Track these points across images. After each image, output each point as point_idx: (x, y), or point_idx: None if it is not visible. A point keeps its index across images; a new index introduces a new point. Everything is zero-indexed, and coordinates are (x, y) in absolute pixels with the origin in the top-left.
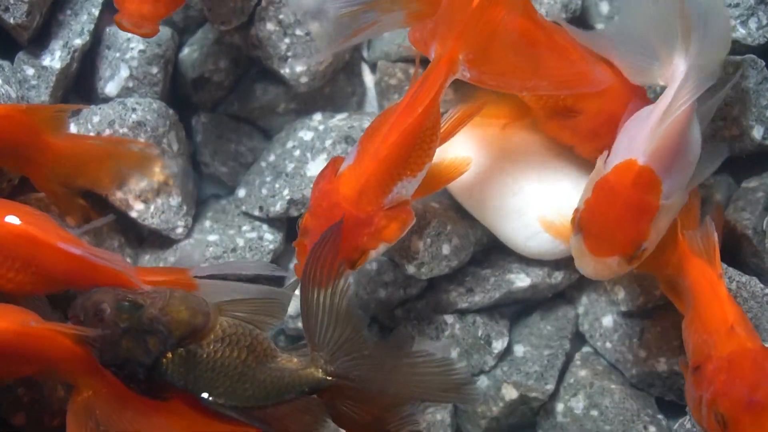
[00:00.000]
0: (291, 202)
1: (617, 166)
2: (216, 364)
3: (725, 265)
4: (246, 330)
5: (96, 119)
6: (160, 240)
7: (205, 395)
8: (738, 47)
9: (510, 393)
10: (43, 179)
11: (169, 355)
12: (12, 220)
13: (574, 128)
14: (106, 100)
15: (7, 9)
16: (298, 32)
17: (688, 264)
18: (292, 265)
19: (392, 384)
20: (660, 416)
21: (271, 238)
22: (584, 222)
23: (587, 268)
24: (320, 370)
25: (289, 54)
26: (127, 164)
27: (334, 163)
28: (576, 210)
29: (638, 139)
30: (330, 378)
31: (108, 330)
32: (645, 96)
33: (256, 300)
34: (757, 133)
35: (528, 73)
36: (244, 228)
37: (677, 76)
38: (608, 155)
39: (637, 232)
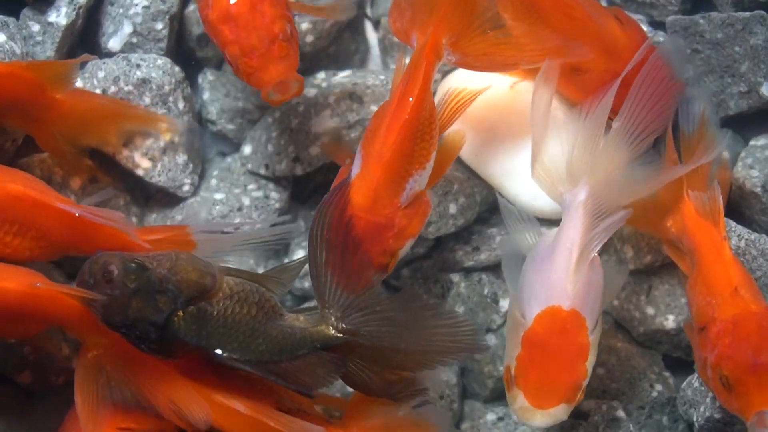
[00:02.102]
0: (296, 160)
1: (541, 315)
2: (227, 320)
3: (734, 223)
4: (253, 288)
5: (101, 74)
6: (167, 198)
7: (218, 351)
8: (747, 3)
9: None
10: (48, 137)
11: (180, 313)
12: (9, 183)
13: (581, 87)
14: (110, 55)
15: None
16: None
17: (693, 225)
18: (295, 226)
19: (403, 338)
20: (667, 374)
21: (277, 197)
22: (521, 379)
23: (534, 421)
24: (331, 328)
25: (295, 14)
26: (133, 123)
27: (343, 174)
28: (507, 368)
29: (554, 284)
30: (341, 335)
31: (117, 291)
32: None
33: (259, 276)
34: (766, 89)
35: (511, 50)
36: (250, 187)
37: (573, 206)
38: (519, 306)
39: (577, 376)
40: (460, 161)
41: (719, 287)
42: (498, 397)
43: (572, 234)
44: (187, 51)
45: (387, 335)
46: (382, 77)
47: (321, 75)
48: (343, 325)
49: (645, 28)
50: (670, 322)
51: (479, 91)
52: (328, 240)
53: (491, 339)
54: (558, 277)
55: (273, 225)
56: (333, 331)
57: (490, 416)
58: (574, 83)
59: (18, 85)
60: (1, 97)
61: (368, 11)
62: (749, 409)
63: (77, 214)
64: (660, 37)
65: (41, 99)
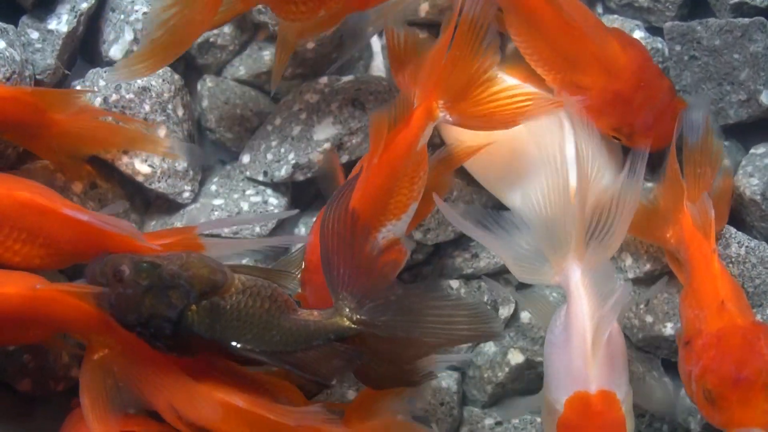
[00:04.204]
0: (296, 166)
1: (570, 401)
2: (241, 314)
3: (734, 230)
4: (265, 283)
5: (102, 83)
6: (166, 205)
7: (234, 343)
8: (747, 9)
9: (516, 358)
10: (49, 153)
11: (194, 307)
12: (17, 191)
13: (582, 104)
14: (111, 63)
15: None
16: None
17: (688, 236)
18: (297, 231)
19: (418, 327)
20: (666, 379)
21: (275, 202)
22: None
23: None
24: (345, 319)
25: None
26: (131, 143)
27: (357, 170)
28: None
29: (575, 370)
30: (355, 326)
31: (129, 290)
32: (658, 72)
33: (266, 271)
34: (765, 98)
35: (509, 109)
36: (249, 192)
37: (572, 287)
38: (549, 391)
39: None
40: (459, 167)
41: (706, 300)
42: (496, 402)
43: (581, 316)
44: (186, 58)
45: (402, 325)
46: (384, 83)
47: (324, 79)
48: (358, 316)
49: (642, 34)
50: (668, 329)
51: (476, 148)
52: (340, 232)
53: (490, 347)
54: (578, 364)
55: (275, 223)
56: (347, 322)
57: (488, 421)
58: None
59: (20, 108)
60: (3, 118)
61: None
62: (731, 424)
63: (85, 220)
64: (658, 43)
65: (41, 120)
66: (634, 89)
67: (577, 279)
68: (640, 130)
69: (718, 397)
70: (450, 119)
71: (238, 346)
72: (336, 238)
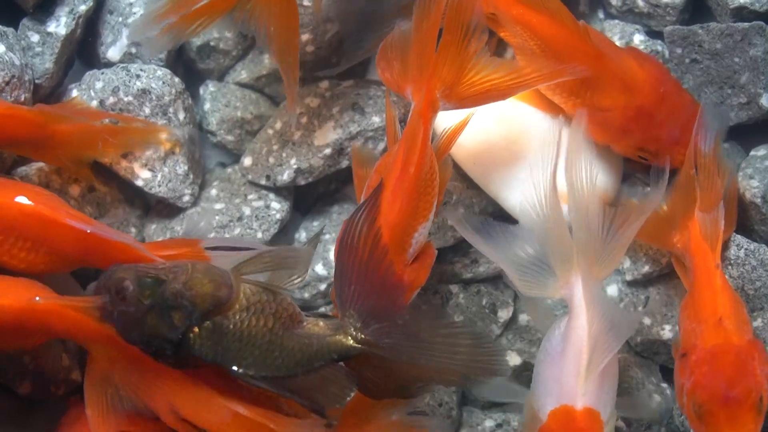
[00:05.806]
0: (298, 171)
1: (555, 413)
2: (243, 334)
3: (734, 234)
4: (270, 297)
5: (99, 85)
6: (167, 209)
7: (234, 368)
8: (746, 14)
9: (513, 359)
10: (54, 160)
11: (196, 329)
12: (21, 200)
13: (604, 126)
14: (109, 65)
15: None
16: (305, 2)
17: (694, 245)
18: (297, 235)
19: (423, 354)
20: (664, 385)
21: (278, 206)
22: None
23: None
24: (349, 337)
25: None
26: (133, 139)
27: (373, 184)
28: None
29: (566, 383)
30: (359, 345)
31: (132, 308)
32: (678, 86)
33: (274, 256)
34: (766, 100)
35: (506, 82)
36: (251, 197)
37: (575, 302)
38: (534, 398)
39: None
40: (458, 170)
41: (704, 315)
42: (497, 403)
43: (581, 332)
44: (187, 62)
45: (407, 349)
46: (384, 87)
47: (324, 84)
48: (362, 336)
49: (642, 37)
50: (666, 332)
51: (466, 119)
52: (356, 248)
53: None
54: (569, 377)
55: (277, 228)
56: (351, 341)
57: (489, 423)
58: (597, 122)
59: (21, 124)
60: (4, 134)
61: None
62: None
63: (88, 231)
64: (658, 46)
65: (43, 133)
66: (657, 104)
67: (581, 293)
68: (666, 145)
69: (707, 413)
70: (449, 105)
71: (240, 371)
72: (352, 254)
